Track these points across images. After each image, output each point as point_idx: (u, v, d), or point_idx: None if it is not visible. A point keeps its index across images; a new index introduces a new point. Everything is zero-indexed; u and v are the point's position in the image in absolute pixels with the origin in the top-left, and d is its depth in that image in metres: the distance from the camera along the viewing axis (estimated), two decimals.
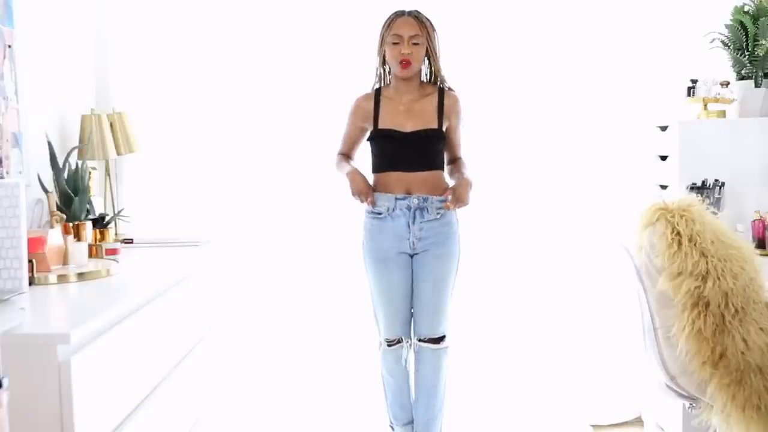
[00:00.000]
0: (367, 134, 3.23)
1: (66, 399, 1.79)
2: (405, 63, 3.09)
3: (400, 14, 3.15)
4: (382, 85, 3.24)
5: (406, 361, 3.22)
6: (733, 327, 2.28)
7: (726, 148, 3.36)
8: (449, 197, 3.10)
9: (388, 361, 3.23)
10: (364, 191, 3.13)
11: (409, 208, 3.11)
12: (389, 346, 3.20)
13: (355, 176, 3.15)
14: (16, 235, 2.21)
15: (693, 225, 2.33)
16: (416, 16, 3.14)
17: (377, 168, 3.18)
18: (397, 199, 3.12)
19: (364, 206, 3.18)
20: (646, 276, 2.46)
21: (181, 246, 3.27)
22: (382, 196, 3.14)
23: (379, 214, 3.15)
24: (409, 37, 3.09)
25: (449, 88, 3.21)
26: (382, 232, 3.15)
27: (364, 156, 3.30)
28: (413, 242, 3.13)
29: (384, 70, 3.22)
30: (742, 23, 3.37)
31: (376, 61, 3.22)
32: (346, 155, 3.30)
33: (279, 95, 3.80)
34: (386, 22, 3.16)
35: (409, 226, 3.12)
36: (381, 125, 3.16)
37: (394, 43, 3.10)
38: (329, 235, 3.83)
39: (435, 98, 3.17)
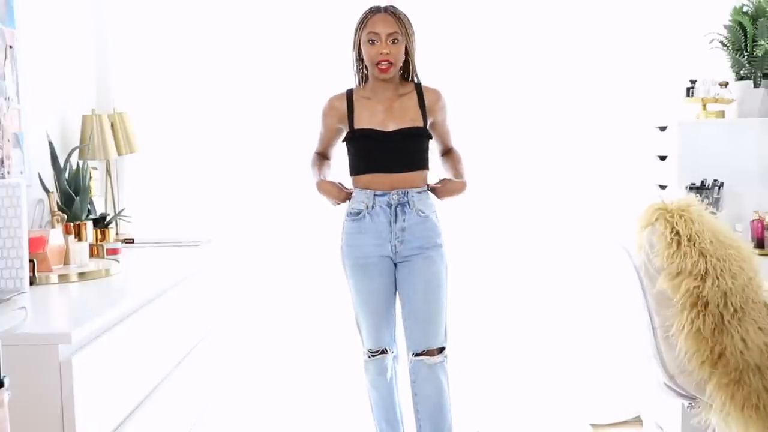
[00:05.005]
0: (343, 135, 3.00)
1: (67, 398, 1.80)
2: (384, 67, 2.86)
3: (375, 10, 2.90)
4: (357, 85, 3.02)
5: (392, 373, 3.03)
6: (731, 326, 2.28)
7: (725, 148, 3.36)
8: (439, 184, 2.96)
9: (370, 373, 3.02)
10: (342, 197, 2.97)
11: (389, 204, 2.89)
12: (372, 356, 2.99)
13: (325, 187, 2.99)
14: (17, 235, 2.22)
15: (692, 225, 2.33)
16: (393, 12, 2.89)
17: (356, 170, 2.97)
18: (376, 195, 2.90)
19: (346, 206, 3.00)
20: (646, 276, 2.46)
21: (182, 246, 3.27)
22: (361, 192, 2.93)
23: (358, 214, 2.93)
24: (387, 35, 2.85)
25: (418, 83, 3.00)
26: (361, 234, 2.93)
27: (340, 157, 3.13)
28: (395, 245, 2.91)
29: (363, 70, 2.99)
30: (741, 24, 3.38)
31: (352, 62, 2.99)
32: (323, 154, 3.10)
33: (279, 95, 3.80)
34: (360, 19, 2.91)
35: (390, 225, 2.90)
36: (358, 125, 2.94)
37: (371, 42, 2.86)
38: (329, 235, 3.82)
39: (414, 95, 2.96)
